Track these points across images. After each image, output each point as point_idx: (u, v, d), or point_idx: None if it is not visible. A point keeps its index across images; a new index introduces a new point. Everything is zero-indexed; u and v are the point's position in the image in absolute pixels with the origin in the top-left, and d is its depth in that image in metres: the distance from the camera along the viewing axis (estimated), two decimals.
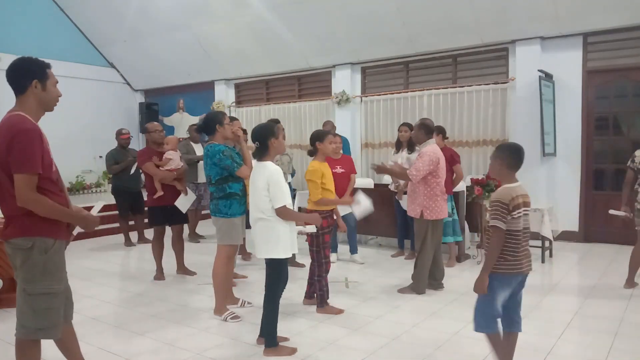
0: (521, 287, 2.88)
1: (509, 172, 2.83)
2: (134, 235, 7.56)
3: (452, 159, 5.67)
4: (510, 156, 2.82)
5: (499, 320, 2.85)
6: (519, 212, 2.74)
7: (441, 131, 5.83)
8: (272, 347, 3.34)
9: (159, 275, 5.44)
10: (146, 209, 5.73)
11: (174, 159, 5.40)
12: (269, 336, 3.35)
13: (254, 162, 3.55)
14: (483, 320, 2.83)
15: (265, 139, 3.35)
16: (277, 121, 5.58)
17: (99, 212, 2.97)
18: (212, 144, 4.10)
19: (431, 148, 4.65)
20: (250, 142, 3.71)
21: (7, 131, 2.36)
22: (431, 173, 4.58)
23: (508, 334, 2.88)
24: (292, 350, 3.39)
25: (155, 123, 5.81)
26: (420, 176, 4.55)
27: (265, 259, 3.36)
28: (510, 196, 2.73)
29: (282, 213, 3.24)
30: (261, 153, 3.38)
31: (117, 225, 7.84)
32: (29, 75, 2.45)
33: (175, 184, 5.37)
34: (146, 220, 6.15)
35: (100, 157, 11.16)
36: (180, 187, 5.39)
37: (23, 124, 2.37)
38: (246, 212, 4.24)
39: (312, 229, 3.70)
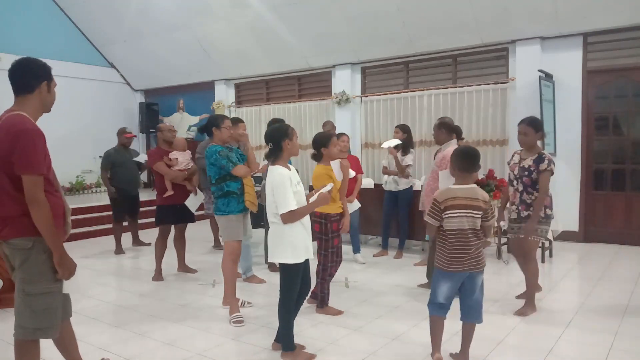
0: (474, 285, 3.04)
1: (460, 174, 3.10)
2: (126, 241, 7.20)
3: None
4: (458, 159, 3.09)
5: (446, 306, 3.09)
6: (452, 213, 2.98)
7: (455, 131, 5.76)
8: (289, 352, 3.28)
9: (158, 276, 5.43)
10: (154, 207, 5.69)
11: (180, 159, 5.52)
12: (285, 342, 3.30)
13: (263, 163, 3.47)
14: (429, 303, 3.14)
15: (279, 141, 3.24)
16: (281, 120, 5.56)
17: None
18: (211, 145, 4.23)
19: (453, 149, 4.54)
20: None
21: (8, 131, 2.34)
22: None
23: (464, 324, 3.13)
24: (311, 356, 3.31)
25: (168, 123, 5.88)
26: None
27: (279, 264, 3.30)
28: (445, 196, 3.02)
29: (287, 219, 3.14)
30: (273, 155, 3.28)
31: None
32: (40, 76, 2.47)
33: (185, 183, 5.47)
34: (144, 221, 6.14)
35: (100, 157, 11.18)
36: (190, 187, 5.49)
37: (25, 124, 2.37)
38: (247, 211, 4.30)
39: (330, 187, 3.49)
